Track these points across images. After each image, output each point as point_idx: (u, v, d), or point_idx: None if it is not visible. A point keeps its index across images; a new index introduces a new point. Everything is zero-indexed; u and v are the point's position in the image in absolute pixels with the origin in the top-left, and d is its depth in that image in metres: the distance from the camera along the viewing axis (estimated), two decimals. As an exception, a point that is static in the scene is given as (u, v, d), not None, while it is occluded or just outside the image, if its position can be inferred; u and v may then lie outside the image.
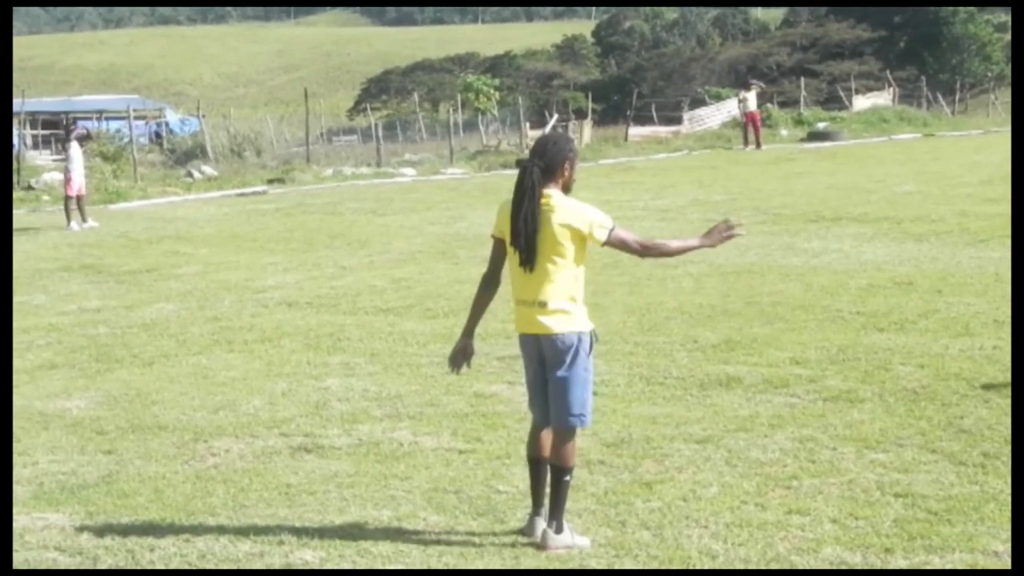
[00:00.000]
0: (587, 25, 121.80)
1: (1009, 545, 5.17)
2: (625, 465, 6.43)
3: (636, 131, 39.92)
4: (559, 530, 5.32)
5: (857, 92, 51.76)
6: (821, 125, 38.75)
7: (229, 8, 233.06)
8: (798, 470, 6.29)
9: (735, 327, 9.96)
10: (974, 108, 62.80)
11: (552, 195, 5.21)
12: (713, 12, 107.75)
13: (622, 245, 5.30)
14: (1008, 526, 5.37)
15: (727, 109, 43.43)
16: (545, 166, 5.20)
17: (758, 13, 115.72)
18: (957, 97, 61.26)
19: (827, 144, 34.12)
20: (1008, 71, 79.10)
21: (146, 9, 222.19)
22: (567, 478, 5.35)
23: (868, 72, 65.92)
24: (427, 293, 12.13)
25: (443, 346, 9.61)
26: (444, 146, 37.25)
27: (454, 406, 7.77)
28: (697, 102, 50.72)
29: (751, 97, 34.50)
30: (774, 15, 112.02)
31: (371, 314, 11.20)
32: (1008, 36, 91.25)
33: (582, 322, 5.26)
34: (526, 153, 32.84)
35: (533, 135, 36.04)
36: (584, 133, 37.88)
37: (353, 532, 5.57)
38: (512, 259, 5.29)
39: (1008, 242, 13.88)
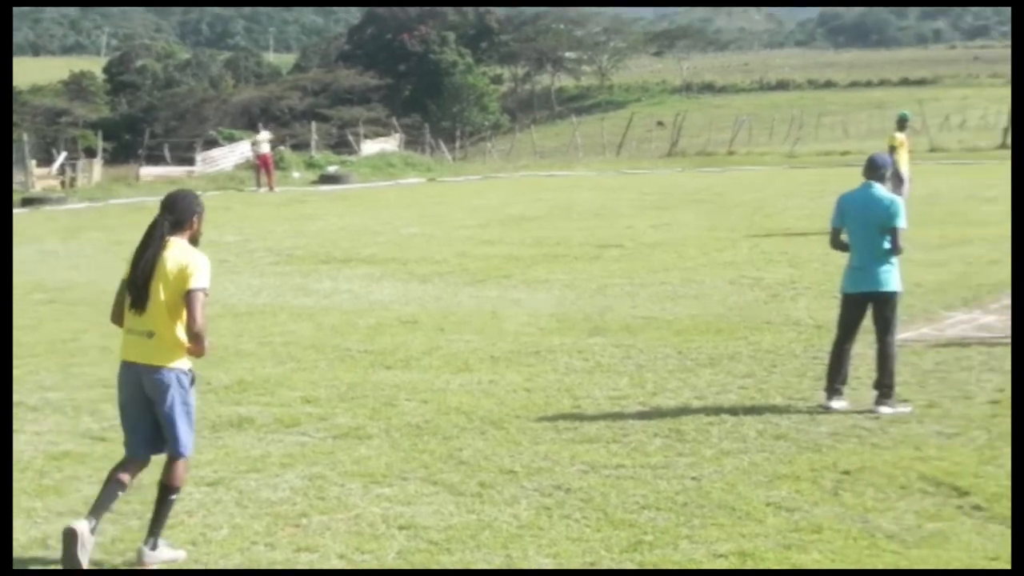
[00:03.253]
0: (97, 62, 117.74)
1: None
2: (134, 511, 6.31)
3: (148, 171, 38.95)
4: (155, 547, 5.59)
5: (366, 137, 53.16)
6: (332, 168, 39.42)
7: None
8: (307, 507, 6.44)
9: (248, 368, 10.01)
10: (473, 155, 66.34)
11: (176, 242, 5.66)
12: (226, 55, 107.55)
13: (192, 308, 5.53)
14: (503, 552, 5.79)
15: (240, 151, 43.32)
16: (175, 220, 5.71)
17: (271, 58, 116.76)
18: (458, 144, 64.55)
19: (338, 187, 34.81)
20: (504, 121, 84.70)
21: None
22: (173, 497, 5.70)
23: (376, 118, 68.25)
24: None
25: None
26: (-65, 183, 34.64)
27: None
28: (210, 143, 50.19)
29: (263, 140, 34.72)
30: (286, 60, 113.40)
31: None
32: (503, 88, 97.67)
33: (181, 361, 5.62)
34: (31, 192, 30.83)
35: (40, 173, 34.49)
36: (94, 173, 36.59)
37: None
38: (126, 297, 5.66)
39: (504, 282, 14.88)
